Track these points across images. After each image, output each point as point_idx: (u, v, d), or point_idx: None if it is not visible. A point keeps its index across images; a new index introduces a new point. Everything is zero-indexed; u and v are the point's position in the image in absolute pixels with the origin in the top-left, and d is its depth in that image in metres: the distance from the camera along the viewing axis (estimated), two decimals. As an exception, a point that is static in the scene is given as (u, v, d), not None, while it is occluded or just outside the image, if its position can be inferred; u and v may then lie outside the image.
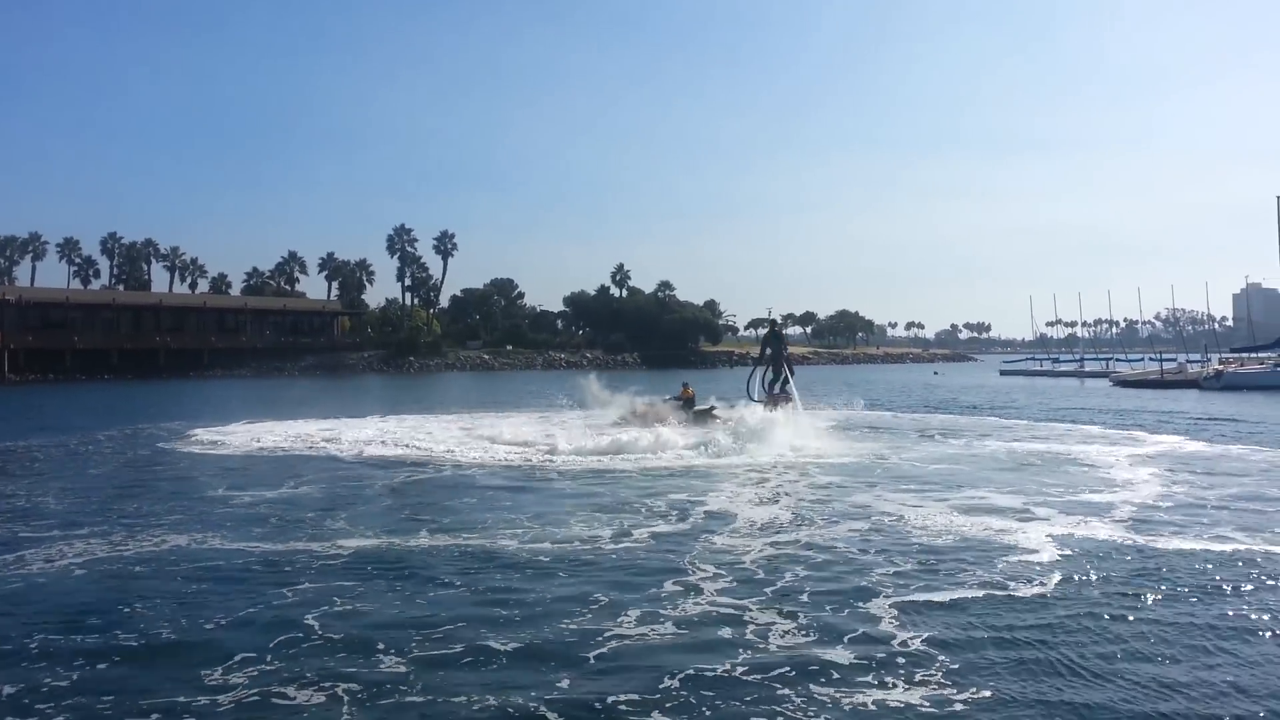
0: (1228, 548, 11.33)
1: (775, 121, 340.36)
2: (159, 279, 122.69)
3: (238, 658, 7.56)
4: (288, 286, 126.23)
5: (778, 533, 12.41)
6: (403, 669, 7.37)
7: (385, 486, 17.12)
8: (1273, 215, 59.39)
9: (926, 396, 50.27)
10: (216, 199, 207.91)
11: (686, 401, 29.34)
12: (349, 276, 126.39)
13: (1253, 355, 62.72)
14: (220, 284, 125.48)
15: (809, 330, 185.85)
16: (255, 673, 7.25)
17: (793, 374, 26.00)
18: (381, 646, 7.83)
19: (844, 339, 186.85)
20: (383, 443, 24.10)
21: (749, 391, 27.10)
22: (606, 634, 8.12)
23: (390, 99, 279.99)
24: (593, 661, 7.52)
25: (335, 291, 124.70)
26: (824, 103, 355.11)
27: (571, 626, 8.35)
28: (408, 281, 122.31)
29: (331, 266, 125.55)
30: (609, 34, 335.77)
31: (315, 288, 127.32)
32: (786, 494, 15.88)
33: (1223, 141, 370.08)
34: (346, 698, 6.79)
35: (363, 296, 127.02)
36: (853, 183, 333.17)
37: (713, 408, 29.49)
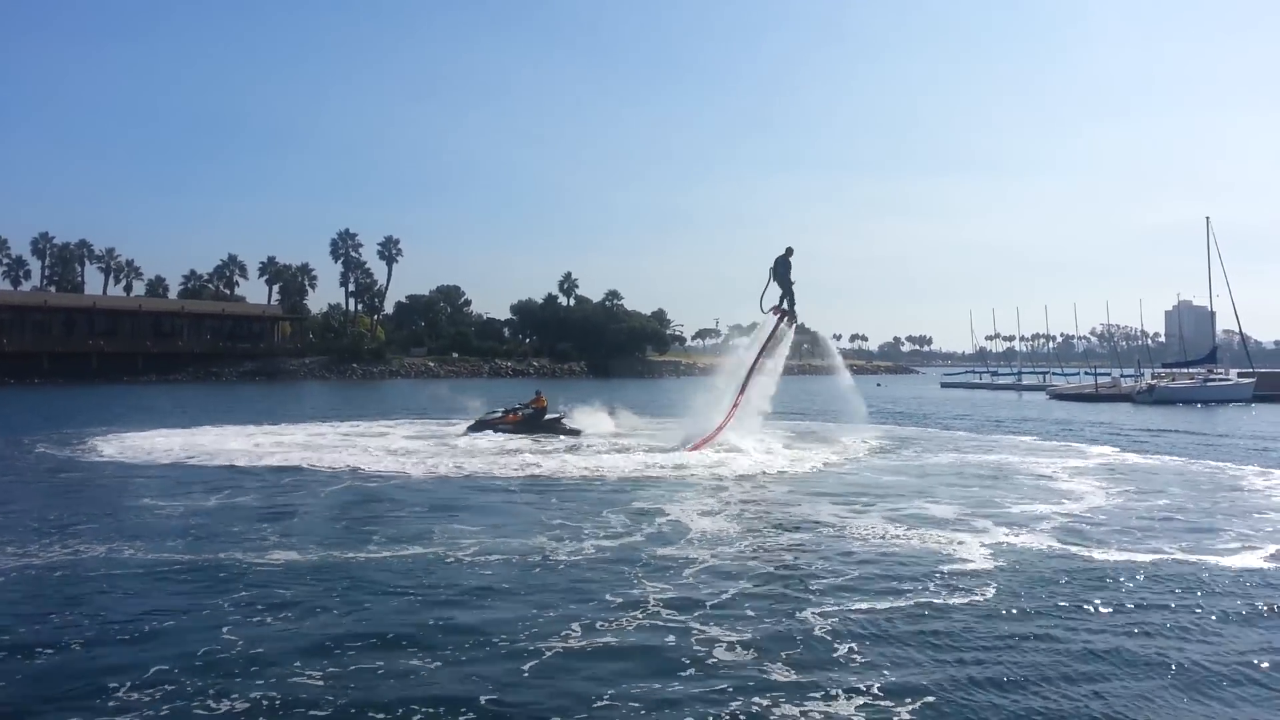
0: (1155, 558, 11.51)
1: (721, 136, 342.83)
2: (93, 281, 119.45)
3: (151, 671, 7.21)
4: (227, 290, 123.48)
5: (724, 544, 12.29)
6: (320, 684, 7.07)
7: (323, 496, 16.65)
8: (1203, 236, 61.20)
9: (871, 408, 50.69)
10: (154, 200, 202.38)
11: (538, 411, 29.31)
12: (290, 281, 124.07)
13: (1183, 370, 64.51)
14: (156, 287, 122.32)
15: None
16: (165, 688, 6.90)
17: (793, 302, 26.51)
18: (299, 663, 7.51)
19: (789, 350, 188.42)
20: (319, 449, 23.59)
21: (760, 305, 27.10)
22: (545, 648, 7.90)
23: (335, 102, 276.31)
24: (526, 674, 7.32)
25: (276, 296, 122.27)
26: (769, 119, 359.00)
27: (507, 639, 8.12)
28: (351, 287, 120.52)
29: (272, 270, 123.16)
30: (559, 44, 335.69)
31: (255, 292, 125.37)
32: (737, 505, 15.77)
33: (1157, 165, 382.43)
34: (260, 711, 6.50)
35: (305, 302, 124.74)
36: (798, 197, 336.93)
37: (561, 417, 29.74)
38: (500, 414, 29.05)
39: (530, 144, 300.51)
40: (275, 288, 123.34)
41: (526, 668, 7.44)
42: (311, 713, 6.54)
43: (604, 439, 27.08)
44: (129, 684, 6.97)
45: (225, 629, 8.33)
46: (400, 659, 7.62)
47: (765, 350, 26.28)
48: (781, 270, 26.41)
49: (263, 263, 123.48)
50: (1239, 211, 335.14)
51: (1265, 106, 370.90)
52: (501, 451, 23.43)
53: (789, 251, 26.61)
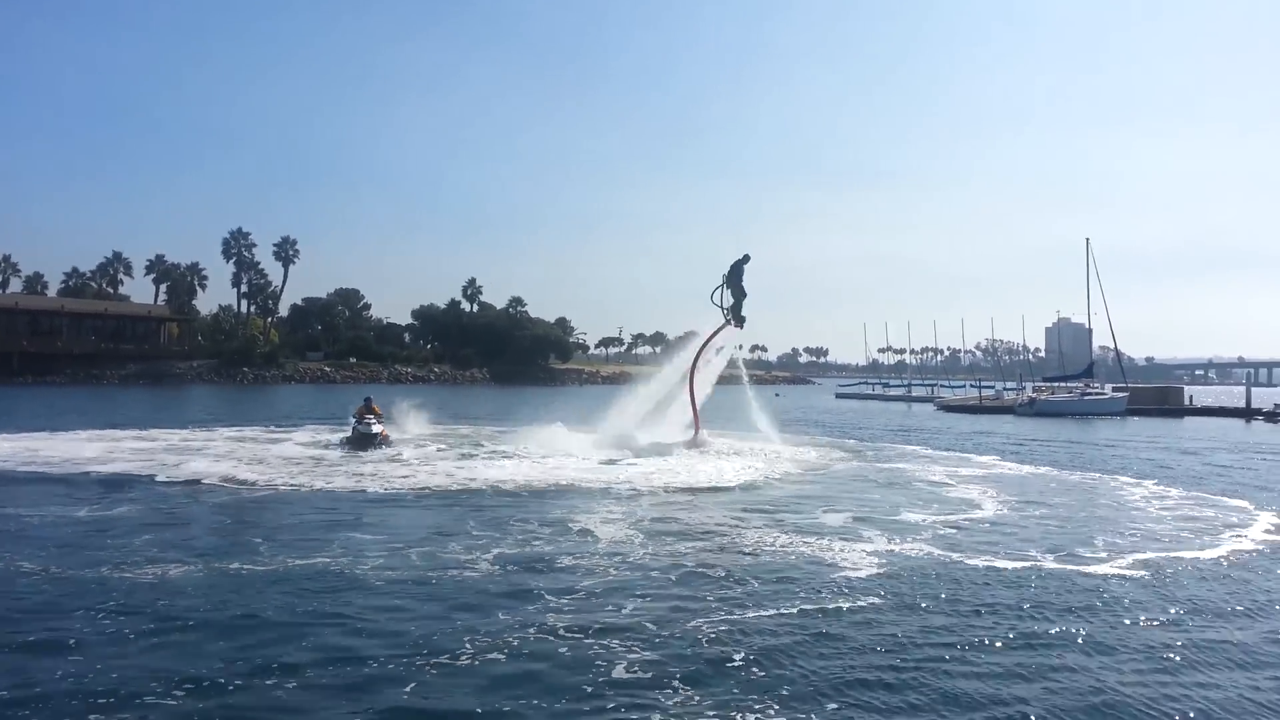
0: (1025, 565, 11.96)
1: (628, 147, 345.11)
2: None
3: None
4: (111, 289, 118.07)
5: (624, 556, 12.18)
6: (171, 706, 6.78)
7: (207, 506, 15.97)
8: (1082, 255, 64.39)
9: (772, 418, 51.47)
10: (34, 193, 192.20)
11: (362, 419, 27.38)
12: (179, 281, 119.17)
13: (1062, 384, 67.59)
14: (35, 284, 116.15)
15: (658, 350, 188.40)
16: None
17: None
18: (155, 684, 7.15)
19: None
20: (197, 456, 22.70)
21: (717, 303, 29.35)
22: (432, 666, 7.71)
23: (231, 96, 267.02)
24: (408, 696, 7.10)
25: (163, 296, 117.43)
26: (676, 131, 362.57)
27: (393, 658, 7.89)
28: (244, 288, 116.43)
29: (160, 269, 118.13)
30: (470, 48, 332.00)
31: (142, 292, 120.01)
32: (639, 517, 15.53)
33: (1042, 187, 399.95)
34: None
35: (194, 302, 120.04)
36: (699, 208, 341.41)
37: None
38: (379, 425, 27.12)
39: (437, 148, 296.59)
40: (163, 287, 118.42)
41: (408, 689, 7.23)
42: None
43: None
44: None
45: (74, 646, 7.91)
46: (273, 681, 7.31)
47: (703, 352, 28.35)
48: (735, 277, 28.01)
49: (150, 261, 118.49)
50: (1117, 233, 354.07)
51: (1144, 131, 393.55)
52: (396, 460, 22.98)
53: (745, 259, 28.24)
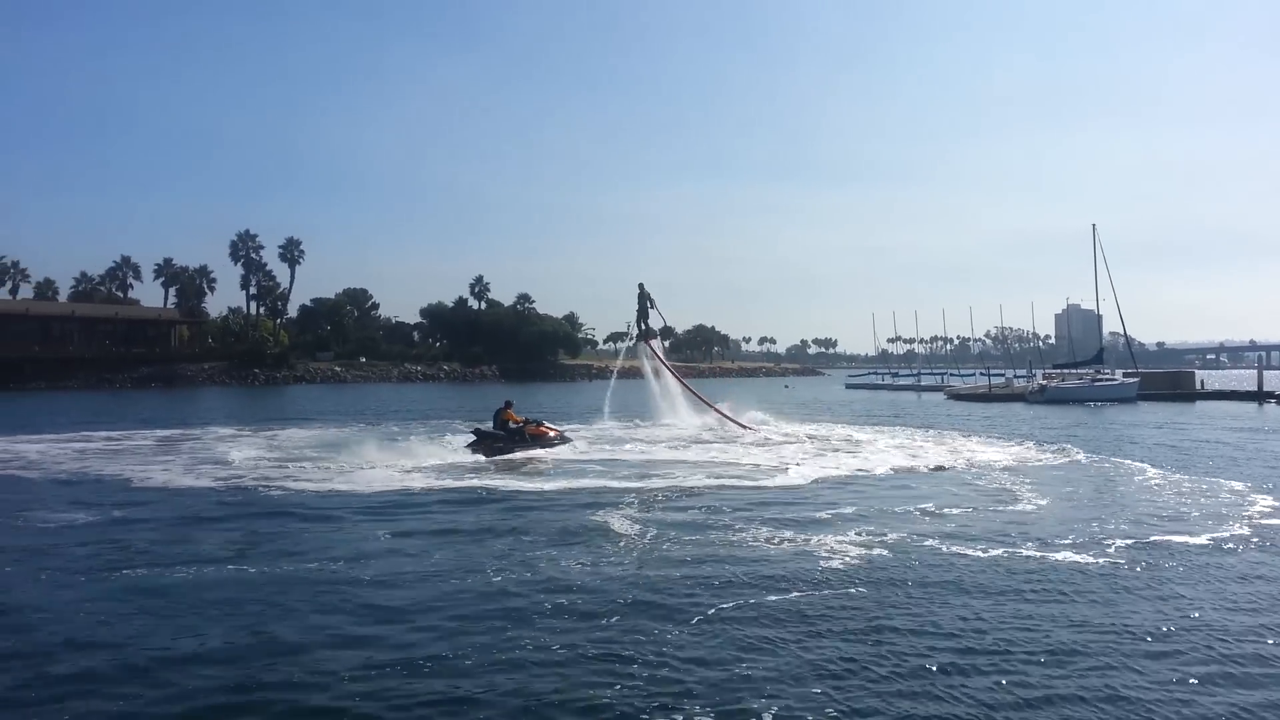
0: (1020, 553, 11.94)
1: (634, 142, 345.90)
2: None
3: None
4: (120, 293, 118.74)
5: (613, 557, 12.28)
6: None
7: (227, 510, 15.89)
8: (1089, 243, 64.00)
9: (783, 408, 51.56)
10: (42, 199, 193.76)
11: (502, 425, 24.73)
12: (188, 284, 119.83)
13: (1072, 371, 67.31)
14: (45, 290, 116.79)
15: (667, 344, 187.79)
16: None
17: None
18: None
19: (700, 353, 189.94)
20: (228, 465, 22.94)
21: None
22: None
23: (235, 99, 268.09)
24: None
25: (173, 299, 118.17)
26: (680, 127, 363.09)
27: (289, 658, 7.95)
28: (252, 290, 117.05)
29: (169, 273, 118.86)
30: (474, 47, 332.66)
31: (151, 295, 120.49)
32: (631, 511, 15.60)
33: (1045, 178, 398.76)
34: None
35: (203, 305, 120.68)
36: (707, 205, 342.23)
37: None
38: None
39: (440, 146, 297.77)
40: (172, 290, 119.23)
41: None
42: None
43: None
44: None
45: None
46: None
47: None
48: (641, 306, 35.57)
49: (158, 265, 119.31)
50: (1124, 221, 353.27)
51: (1145, 124, 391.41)
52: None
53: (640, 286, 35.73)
